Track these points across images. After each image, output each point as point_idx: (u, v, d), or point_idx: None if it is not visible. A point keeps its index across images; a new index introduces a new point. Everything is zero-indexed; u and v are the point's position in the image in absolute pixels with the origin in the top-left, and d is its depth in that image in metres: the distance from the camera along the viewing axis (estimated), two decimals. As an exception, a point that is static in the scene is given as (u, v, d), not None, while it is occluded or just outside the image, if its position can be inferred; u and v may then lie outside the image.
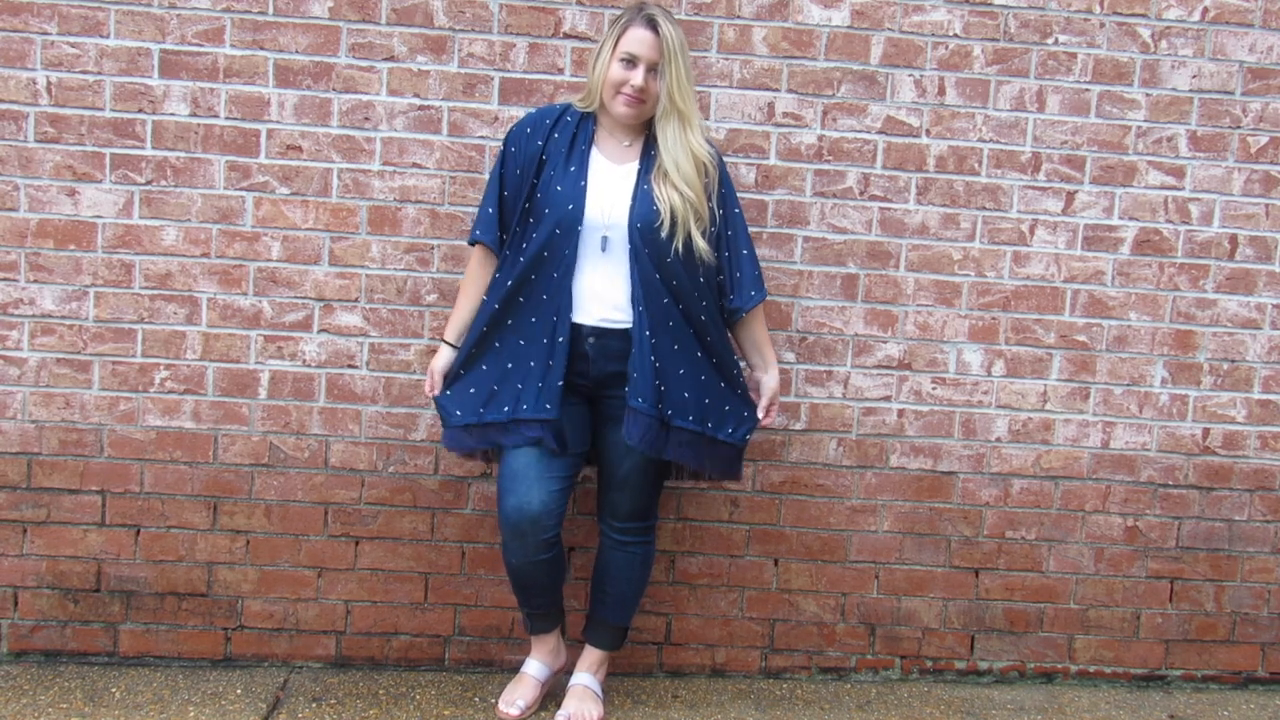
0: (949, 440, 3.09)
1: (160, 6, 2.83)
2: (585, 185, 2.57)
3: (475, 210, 2.88)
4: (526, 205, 2.60)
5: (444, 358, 2.71)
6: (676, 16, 2.89)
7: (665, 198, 2.54)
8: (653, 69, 2.55)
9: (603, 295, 2.58)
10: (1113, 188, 3.05)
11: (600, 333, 2.59)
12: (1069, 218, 3.05)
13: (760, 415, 2.74)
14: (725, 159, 2.78)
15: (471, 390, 2.62)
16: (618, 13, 2.69)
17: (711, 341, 2.64)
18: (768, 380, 2.75)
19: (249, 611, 3.00)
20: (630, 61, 2.54)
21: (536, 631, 2.80)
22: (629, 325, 2.58)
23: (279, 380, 2.94)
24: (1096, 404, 3.11)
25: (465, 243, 2.90)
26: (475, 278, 2.71)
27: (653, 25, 2.54)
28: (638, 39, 2.54)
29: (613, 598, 2.79)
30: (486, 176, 2.89)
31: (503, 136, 2.86)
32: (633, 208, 2.56)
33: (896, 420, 3.08)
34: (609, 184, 2.59)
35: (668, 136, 2.57)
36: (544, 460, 2.58)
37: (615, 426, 2.64)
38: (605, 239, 2.57)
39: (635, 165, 2.62)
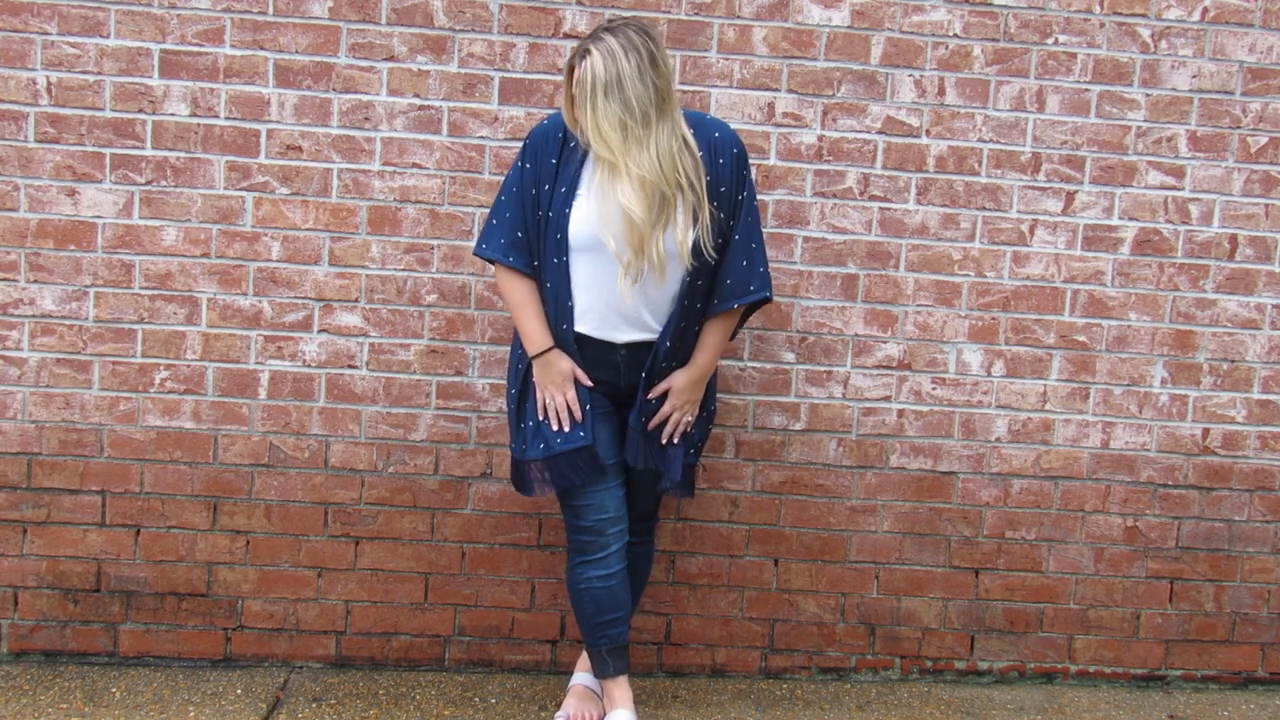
0: (949, 440, 3.09)
1: (160, 6, 2.83)
2: (591, 205, 2.43)
3: (474, 210, 2.89)
4: (538, 220, 2.49)
5: (564, 359, 2.51)
6: (676, 17, 2.90)
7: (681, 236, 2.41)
8: None
9: (629, 315, 2.49)
10: (1113, 188, 3.05)
11: (633, 345, 2.53)
12: (1069, 218, 3.05)
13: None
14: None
15: (530, 423, 2.55)
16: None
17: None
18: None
19: (249, 611, 3.00)
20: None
21: (617, 671, 2.64)
22: (652, 337, 2.52)
23: (279, 380, 2.94)
24: (1096, 404, 3.11)
25: (465, 243, 2.91)
26: (529, 295, 2.50)
27: (582, 57, 2.32)
28: (573, 77, 2.37)
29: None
30: (487, 177, 2.90)
31: (502, 137, 2.86)
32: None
33: (896, 420, 3.08)
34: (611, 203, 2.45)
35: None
36: (601, 469, 2.56)
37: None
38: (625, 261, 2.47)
39: None
